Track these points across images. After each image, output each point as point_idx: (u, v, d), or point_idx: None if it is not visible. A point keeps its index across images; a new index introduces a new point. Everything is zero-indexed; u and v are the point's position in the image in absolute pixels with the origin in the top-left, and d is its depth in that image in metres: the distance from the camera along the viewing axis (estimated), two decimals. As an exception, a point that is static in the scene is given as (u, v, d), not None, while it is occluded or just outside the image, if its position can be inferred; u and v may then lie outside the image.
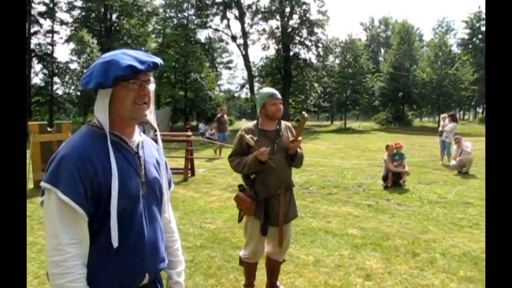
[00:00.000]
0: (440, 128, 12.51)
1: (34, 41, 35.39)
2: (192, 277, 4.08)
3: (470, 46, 47.90)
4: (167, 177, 1.74)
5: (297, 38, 38.21)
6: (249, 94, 39.89)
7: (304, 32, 37.95)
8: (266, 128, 3.42)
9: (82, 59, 27.57)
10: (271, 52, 40.01)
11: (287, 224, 3.49)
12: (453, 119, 12.27)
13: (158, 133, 1.70)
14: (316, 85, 39.67)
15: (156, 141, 1.73)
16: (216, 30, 41.67)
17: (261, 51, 67.46)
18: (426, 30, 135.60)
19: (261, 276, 3.88)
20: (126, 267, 1.48)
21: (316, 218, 6.22)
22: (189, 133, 10.81)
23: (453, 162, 10.69)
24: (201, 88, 36.09)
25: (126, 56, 1.46)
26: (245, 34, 38.40)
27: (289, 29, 37.41)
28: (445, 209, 6.75)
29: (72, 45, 32.20)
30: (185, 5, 37.42)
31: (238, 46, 39.50)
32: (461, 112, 57.68)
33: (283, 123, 3.54)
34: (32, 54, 34.78)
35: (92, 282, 1.42)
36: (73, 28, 35.28)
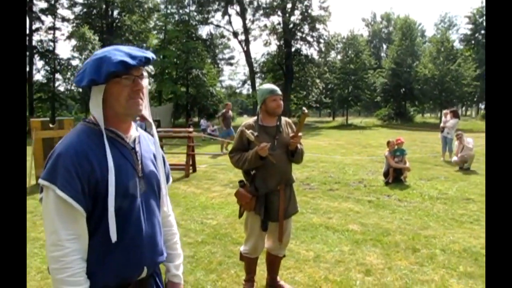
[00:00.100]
0: (441, 124, 12.50)
1: (36, 37, 35.43)
2: (193, 273, 4.11)
3: (473, 41, 47.71)
4: (165, 171, 1.76)
5: (299, 34, 38.13)
6: (250, 90, 39.88)
7: (306, 28, 37.87)
8: (267, 124, 3.44)
9: (83, 56, 27.53)
10: (273, 48, 40.17)
11: (287, 220, 3.52)
12: (455, 115, 12.24)
13: (153, 126, 1.71)
14: (317, 81, 39.63)
15: (152, 135, 1.74)
16: (218, 26, 41.65)
17: (263, 47, 67.46)
18: (428, 26, 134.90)
19: (261, 271, 3.91)
20: (124, 261, 1.50)
21: (317, 214, 6.24)
22: (191, 129, 10.82)
23: (454, 158, 10.68)
24: (203, 85, 36.05)
25: (118, 52, 1.46)
26: (246, 30, 38.34)
27: (291, 25, 37.32)
28: (446, 205, 6.76)
29: (73, 42, 32.15)
30: (187, 1, 37.33)
31: (240, 42, 39.51)
32: (463, 108, 57.53)
33: (283, 119, 3.55)
34: (34, 51, 34.78)
35: (91, 277, 1.45)
36: (74, 24, 35.23)
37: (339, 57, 44.17)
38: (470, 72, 35.72)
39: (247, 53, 38.49)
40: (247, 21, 38.37)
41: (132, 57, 1.46)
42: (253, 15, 38.56)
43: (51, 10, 35.33)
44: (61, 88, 36.58)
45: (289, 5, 36.80)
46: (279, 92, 3.49)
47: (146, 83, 1.57)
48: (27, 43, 33.75)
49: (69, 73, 32.53)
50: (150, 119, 1.63)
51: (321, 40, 38.24)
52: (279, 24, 37.82)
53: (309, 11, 36.96)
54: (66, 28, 37.27)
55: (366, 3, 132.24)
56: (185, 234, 5.33)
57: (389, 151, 8.86)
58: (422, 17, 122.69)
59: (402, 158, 8.82)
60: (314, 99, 42.69)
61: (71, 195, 1.38)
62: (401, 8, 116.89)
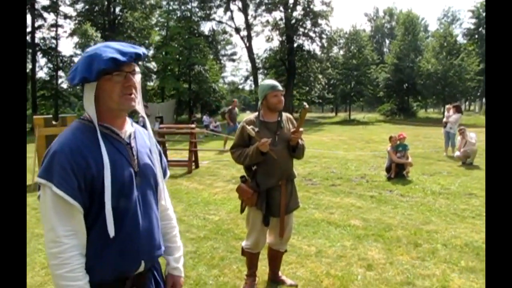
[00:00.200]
0: (444, 119, 12.48)
1: (38, 35, 35.47)
2: (195, 268, 4.14)
3: (476, 36, 47.36)
4: (162, 165, 1.77)
5: (301, 29, 37.95)
6: (253, 86, 39.79)
7: (308, 24, 37.68)
8: (268, 120, 3.45)
9: (86, 53, 27.52)
10: (275, 43, 39.78)
11: (288, 215, 3.53)
12: (458, 110, 12.22)
13: (147, 121, 1.72)
14: (320, 76, 39.47)
15: (146, 128, 1.75)
16: (220, 22, 41.58)
17: (265, 43, 67.04)
18: (431, 20, 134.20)
19: (263, 266, 3.93)
20: (122, 255, 1.51)
21: (319, 209, 6.26)
22: (193, 125, 10.84)
23: (457, 153, 10.67)
24: (205, 81, 36.05)
25: (109, 49, 1.47)
26: (248, 26, 38.24)
27: (293, 21, 37.15)
28: (448, 200, 6.76)
29: (76, 39, 32.28)
30: (189, -3, 37.31)
31: (242, 38, 39.37)
32: (467, 103, 57.31)
33: (284, 114, 3.56)
34: (37, 48, 34.86)
35: (90, 271, 1.47)
36: (76, 21, 35.26)
37: (341, 52, 44.06)
38: (473, 67, 35.54)
39: (249, 49, 38.39)
40: (249, 17, 38.25)
41: (122, 53, 1.47)
42: (255, 10, 38.40)
43: (54, 8, 35.35)
44: (64, 86, 36.68)
45: (291, 1, 36.64)
46: (280, 88, 3.50)
47: (138, 79, 1.58)
48: (30, 41, 33.90)
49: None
50: (143, 114, 1.64)
51: (324, 36, 38.04)
52: (281, 19, 37.66)
53: (311, 6, 36.78)
54: (68, 25, 37.57)
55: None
56: (187, 230, 5.36)
57: (391, 147, 8.86)
58: (425, 11, 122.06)
59: (404, 153, 8.81)
60: (316, 94, 42.60)
61: (67, 192, 1.40)
62: (403, 2, 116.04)
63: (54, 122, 8.99)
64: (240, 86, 47.67)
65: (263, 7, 37.49)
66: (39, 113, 31.10)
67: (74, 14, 36.10)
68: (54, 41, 36.45)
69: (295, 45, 37.94)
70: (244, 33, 38.92)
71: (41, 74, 36.57)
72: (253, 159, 3.30)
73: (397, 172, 8.55)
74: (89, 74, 1.44)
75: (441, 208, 6.30)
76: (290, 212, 3.55)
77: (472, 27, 49.01)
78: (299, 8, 37.12)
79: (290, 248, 4.33)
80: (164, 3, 38.18)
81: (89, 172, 1.45)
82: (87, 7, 35.51)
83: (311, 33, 38.01)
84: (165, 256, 1.81)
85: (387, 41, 69.39)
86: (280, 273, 3.84)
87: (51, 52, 35.95)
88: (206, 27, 56.55)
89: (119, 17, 36.56)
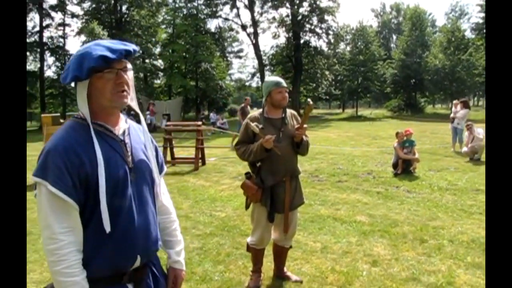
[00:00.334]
0: (451, 115, 12.40)
1: (46, 34, 35.65)
2: (201, 264, 4.17)
3: (485, 30, 46.96)
4: (159, 160, 1.79)
5: (308, 26, 37.79)
6: (260, 83, 39.76)
7: (315, 20, 37.51)
8: (272, 116, 3.46)
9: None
10: (282, 40, 39.65)
11: (293, 211, 3.54)
12: (465, 105, 12.14)
13: (141, 116, 1.73)
14: (327, 73, 39.31)
15: (140, 123, 1.76)
16: (226, 19, 41.52)
17: (272, 39, 67.15)
18: (439, 15, 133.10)
19: (268, 262, 3.95)
20: (117, 251, 1.53)
21: (325, 206, 6.26)
22: (199, 122, 10.87)
23: (464, 149, 10.61)
24: (212, 78, 36.07)
25: (99, 47, 1.49)
26: (255, 23, 38.15)
27: (299, 17, 37.02)
28: (455, 196, 6.73)
29: (83, 38, 32.33)
30: (195, -5, 37.32)
31: (248, 35, 39.29)
32: (475, 99, 56.82)
33: (289, 111, 3.57)
34: (45, 47, 35.10)
35: (86, 267, 1.49)
36: (84, 20, 35.38)
37: (348, 48, 43.87)
38: (481, 62, 35.18)
39: (256, 46, 38.31)
40: (255, 14, 38.16)
41: (112, 50, 1.48)
42: (262, 7, 38.29)
43: (61, 7, 35.51)
44: (72, 84, 36.80)
45: (297, -3, 36.54)
46: (284, 84, 3.52)
47: (130, 75, 1.59)
48: (38, 40, 34.16)
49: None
50: (137, 110, 1.66)
51: (330, 32, 37.87)
52: (287, 16, 37.54)
53: (318, 2, 36.58)
54: (75, 24, 37.41)
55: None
56: (194, 226, 5.39)
57: (398, 142, 8.82)
58: (432, 6, 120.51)
59: (411, 149, 8.78)
60: (323, 91, 42.47)
61: (62, 190, 1.43)
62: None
63: (62, 120, 9.09)
64: (247, 83, 47.70)
65: (269, 4, 37.38)
66: (47, 111, 31.32)
67: (81, 13, 36.24)
68: (61, 40, 36.65)
69: (301, 41, 37.79)
70: (250, 30, 38.86)
71: (49, 73, 36.77)
72: (257, 156, 3.31)
73: (404, 168, 8.52)
74: (80, 72, 1.46)
75: (448, 204, 6.27)
76: (295, 208, 3.56)
77: (481, 21, 48.38)
78: (305, 4, 36.95)
79: (295, 244, 4.35)
80: (170, 0, 38.22)
81: (83, 169, 1.47)
82: (94, 5, 35.60)
83: (317, 29, 37.84)
84: (166, 249, 1.83)
85: (394, 37, 68.93)
86: (285, 269, 3.85)
87: (59, 51, 36.14)
88: (212, 25, 56.39)
89: (125, 15, 36.63)
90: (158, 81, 40.75)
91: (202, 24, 38.02)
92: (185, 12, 37.38)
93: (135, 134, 1.71)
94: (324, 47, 39.37)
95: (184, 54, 35.27)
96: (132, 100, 1.61)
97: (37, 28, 34.40)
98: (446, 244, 4.62)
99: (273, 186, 3.40)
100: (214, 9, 38.72)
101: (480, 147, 10.10)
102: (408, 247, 4.54)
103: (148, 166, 1.68)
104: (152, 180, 1.71)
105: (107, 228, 1.48)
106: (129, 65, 1.59)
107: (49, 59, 36.83)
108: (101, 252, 1.51)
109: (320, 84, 40.44)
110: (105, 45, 1.51)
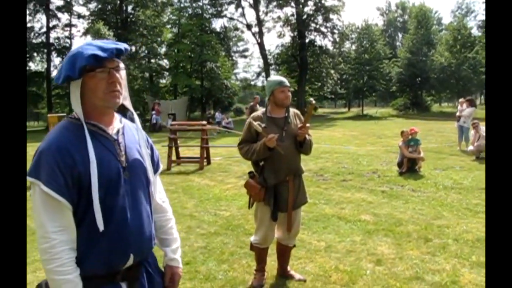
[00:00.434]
0: (457, 113, 12.33)
1: (53, 35, 36.03)
2: (205, 263, 4.18)
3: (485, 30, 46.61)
4: (154, 159, 1.80)
5: (313, 25, 37.76)
6: (265, 82, 39.74)
7: (320, 19, 37.47)
8: (275, 116, 3.47)
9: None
10: (287, 39, 39.66)
11: (296, 210, 3.55)
12: (471, 103, 12.06)
13: (135, 115, 1.74)
14: (332, 72, 39.24)
15: (134, 121, 1.77)
16: (231, 19, 41.60)
17: (277, 38, 66.98)
18: (444, 13, 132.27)
19: (272, 261, 3.96)
20: (110, 249, 1.54)
21: (329, 205, 6.26)
22: (204, 122, 10.90)
23: (470, 148, 10.55)
24: (217, 77, 36.13)
25: (90, 46, 1.51)
26: (260, 22, 38.16)
27: (304, 16, 37.00)
28: (460, 195, 6.70)
29: (89, 38, 32.55)
30: (200, -6, 37.39)
31: (253, 34, 39.32)
32: (481, 97, 56.37)
33: (292, 110, 3.58)
34: (52, 48, 35.37)
35: (80, 265, 1.51)
36: (90, 21, 35.59)
37: (353, 47, 43.75)
38: (488, 60, 34.93)
39: (261, 45, 38.34)
40: (260, 13, 38.18)
41: (103, 49, 1.50)
42: (266, 6, 38.35)
43: (67, 8, 35.79)
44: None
45: (302, -4, 36.50)
46: (287, 83, 3.53)
47: (123, 75, 1.61)
48: (45, 41, 34.40)
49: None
50: (131, 108, 1.67)
51: (335, 31, 37.83)
52: (292, 15, 37.54)
53: (323, 1, 36.52)
54: (82, 25, 38.04)
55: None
56: (198, 226, 5.42)
57: (403, 141, 8.80)
58: (438, 4, 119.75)
59: (416, 148, 8.75)
60: (329, 90, 42.45)
61: (55, 189, 1.45)
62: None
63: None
64: (252, 83, 47.70)
65: (274, 3, 37.41)
66: (54, 111, 31.54)
67: (87, 13, 36.50)
68: (68, 40, 36.97)
69: (306, 40, 37.76)
70: (255, 29, 38.89)
71: (56, 73, 37.10)
72: (260, 155, 3.32)
73: (409, 167, 8.49)
74: (72, 72, 1.48)
75: (453, 203, 6.25)
76: (298, 207, 3.57)
77: (487, 19, 48.13)
78: (310, 3, 36.94)
79: (299, 243, 4.35)
80: (176, 0, 38.32)
81: (76, 169, 1.48)
82: (99, 6, 35.79)
83: (322, 28, 37.82)
84: (163, 248, 1.84)
85: (400, 35, 68.56)
86: (289, 268, 3.86)
87: (65, 52, 36.30)
88: (217, 24, 56.66)
89: (131, 16, 36.77)
90: (164, 81, 40.88)
91: (207, 23, 38.08)
92: (190, 12, 37.48)
93: (129, 133, 1.72)
94: (329, 46, 39.38)
95: (189, 53, 35.36)
96: (125, 99, 1.62)
97: (44, 29, 34.72)
98: (450, 243, 4.60)
99: (276, 185, 3.41)
100: (219, 8, 38.81)
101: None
102: (413, 246, 4.53)
103: (142, 165, 1.69)
104: (147, 179, 1.72)
105: (100, 227, 1.50)
106: (122, 65, 1.60)
107: (56, 60, 37.18)
108: (95, 250, 1.53)
109: (325, 83, 40.41)
110: (96, 44, 1.53)
